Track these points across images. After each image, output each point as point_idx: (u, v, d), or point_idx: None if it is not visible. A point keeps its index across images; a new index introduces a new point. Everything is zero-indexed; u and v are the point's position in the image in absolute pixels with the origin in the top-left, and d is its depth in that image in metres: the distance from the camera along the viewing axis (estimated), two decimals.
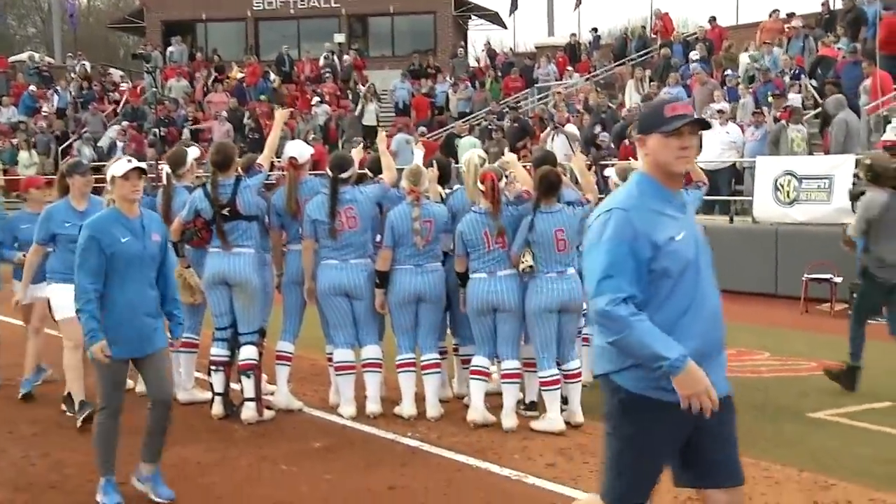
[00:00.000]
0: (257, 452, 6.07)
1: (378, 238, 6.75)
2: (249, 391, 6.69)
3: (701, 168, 15.45)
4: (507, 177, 6.97)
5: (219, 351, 6.80)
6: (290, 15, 31.57)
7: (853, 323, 7.66)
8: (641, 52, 23.59)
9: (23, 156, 22.51)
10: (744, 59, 19.66)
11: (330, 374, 7.18)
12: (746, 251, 13.32)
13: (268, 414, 6.82)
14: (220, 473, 5.67)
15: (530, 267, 6.47)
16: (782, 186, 13.48)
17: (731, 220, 14.50)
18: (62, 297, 6.39)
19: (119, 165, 5.01)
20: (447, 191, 7.33)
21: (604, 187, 9.58)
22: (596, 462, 5.76)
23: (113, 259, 4.95)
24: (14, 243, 7.56)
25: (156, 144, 21.50)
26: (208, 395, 7.06)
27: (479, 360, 6.69)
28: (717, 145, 15.57)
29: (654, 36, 24.46)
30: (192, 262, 6.98)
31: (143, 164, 5.12)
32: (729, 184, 15.87)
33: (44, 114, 25.63)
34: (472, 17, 33.91)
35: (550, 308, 6.50)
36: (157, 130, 22.41)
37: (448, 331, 7.37)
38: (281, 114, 7.14)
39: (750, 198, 14.41)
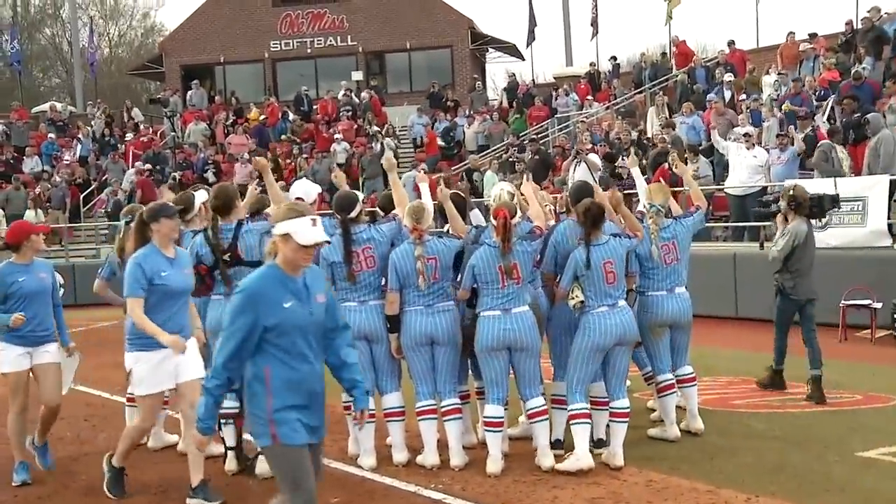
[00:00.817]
0: None
1: (383, 281, 6.44)
2: (230, 441, 6.37)
3: (729, 193, 15.25)
4: (521, 212, 6.74)
5: (228, 403, 6.48)
6: (307, 55, 31.61)
7: (777, 333, 8.68)
8: (660, 80, 23.30)
9: (29, 214, 22.31)
10: (767, 80, 19.30)
11: (348, 422, 6.84)
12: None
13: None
14: None
15: (581, 302, 6.24)
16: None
17: (762, 247, 14.05)
18: (146, 369, 5.87)
19: (309, 234, 4.19)
20: (476, 228, 7.02)
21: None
22: None
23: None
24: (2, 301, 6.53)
25: (175, 188, 21.34)
26: (220, 448, 6.74)
27: (491, 410, 6.36)
28: (745, 170, 15.19)
29: (671, 63, 24.16)
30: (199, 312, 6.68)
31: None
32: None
33: (65, 162, 25.63)
34: (490, 49, 33.81)
35: (603, 346, 6.33)
36: (176, 175, 22.29)
37: (470, 373, 7.05)
38: (261, 164, 6.81)
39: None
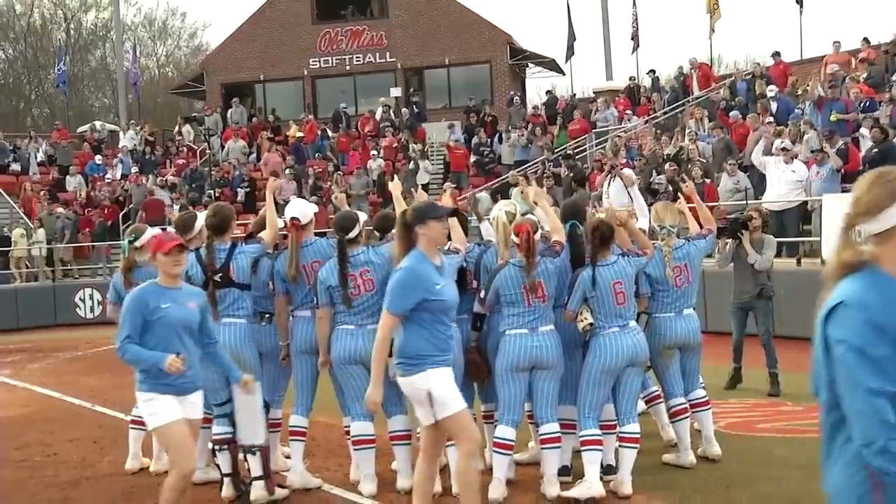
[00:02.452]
0: None
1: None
2: (256, 469, 6.18)
3: (767, 208, 14.90)
4: (541, 228, 6.52)
5: (221, 429, 6.33)
6: (346, 72, 31.71)
7: (735, 335, 9.52)
8: (699, 95, 22.89)
9: (16, 232, 22.48)
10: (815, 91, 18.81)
11: (350, 449, 6.64)
12: (817, 295, 12.43)
13: (280, 492, 6.31)
14: None
15: (591, 324, 6.02)
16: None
17: (799, 263, 13.65)
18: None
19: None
20: (481, 246, 6.83)
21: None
22: None
23: None
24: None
25: (208, 204, 21.49)
26: (216, 474, 6.58)
27: (503, 432, 6.13)
28: (783, 184, 14.82)
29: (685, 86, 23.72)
30: None
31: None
32: (797, 224, 15.05)
33: (107, 180, 25.90)
34: (529, 64, 33.61)
35: (615, 368, 6.12)
36: (212, 192, 22.40)
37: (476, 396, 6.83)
38: (271, 185, 6.71)
39: (818, 238, 13.57)
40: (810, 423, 7.92)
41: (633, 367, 6.19)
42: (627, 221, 6.61)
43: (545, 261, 6.17)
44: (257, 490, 6.19)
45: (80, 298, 20.34)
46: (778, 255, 14.86)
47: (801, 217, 15.07)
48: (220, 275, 6.20)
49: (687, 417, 6.76)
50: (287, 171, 23.69)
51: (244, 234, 6.73)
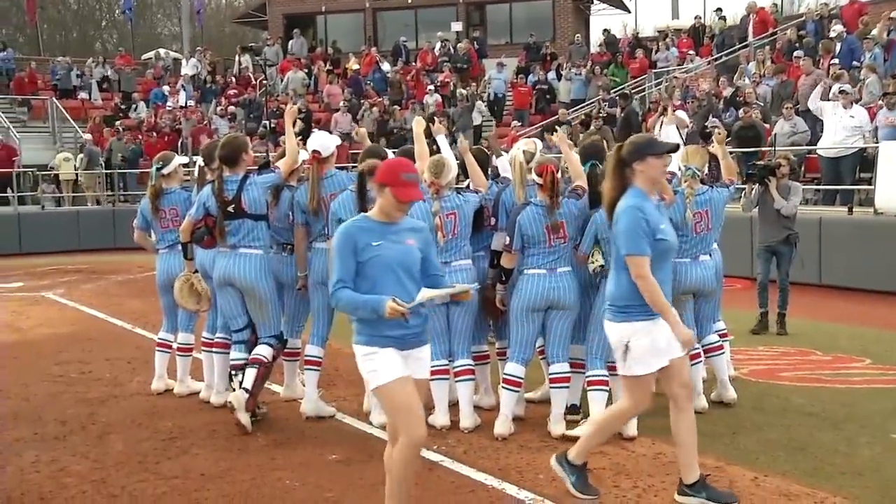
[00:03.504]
0: (269, 464, 5.72)
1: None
2: (248, 381, 6.32)
3: (821, 154, 14.48)
4: (564, 170, 6.49)
5: (237, 354, 6.50)
6: (408, 4, 31.38)
7: (760, 277, 9.59)
8: (766, 35, 22.21)
9: (59, 157, 23.05)
10: (883, 28, 18.14)
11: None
12: (867, 245, 12.21)
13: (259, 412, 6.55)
14: (219, 487, 5.33)
15: (601, 266, 5.99)
16: None
17: (851, 212, 13.33)
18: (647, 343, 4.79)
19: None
20: (500, 184, 6.83)
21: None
22: (628, 485, 5.20)
23: None
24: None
25: (266, 136, 21.65)
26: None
27: (513, 369, 6.19)
28: (840, 130, 14.40)
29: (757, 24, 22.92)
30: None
31: None
32: (853, 172, 14.65)
33: (168, 108, 26.25)
34: (594, 1, 32.91)
35: None
36: (267, 122, 22.56)
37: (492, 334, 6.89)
38: (289, 111, 6.74)
39: (873, 187, 13.22)
40: (834, 373, 7.85)
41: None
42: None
43: (568, 202, 6.14)
44: (238, 397, 6.33)
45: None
46: (831, 202, 14.62)
47: (859, 164, 14.68)
48: (232, 206, 6.28)
49: (700, 362, 6.72)
50: (342, 103, 23.73)
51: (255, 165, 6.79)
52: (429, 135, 6.79)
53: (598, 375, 6.13)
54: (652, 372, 4.80)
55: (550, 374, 6.30)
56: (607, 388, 6.15)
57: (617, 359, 4.90)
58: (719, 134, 7.40)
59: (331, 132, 21.39)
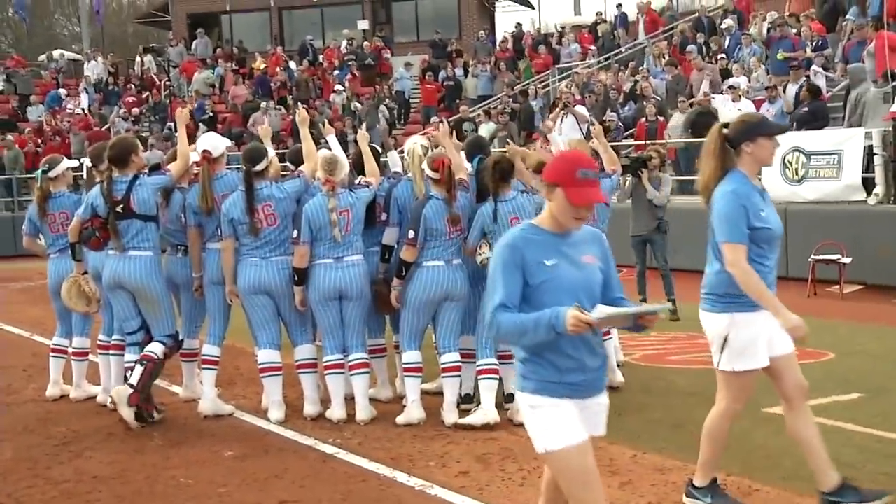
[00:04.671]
0: (163, 463, 5.77)
1: (295, 233, 6.37)
2: (134, 378, 6.35)
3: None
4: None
5: (132, 356, 6.51)
6: (314, 3, 31.26)
7: (638, 266, 10.12)
8: (663, 30, 22.84)
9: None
10: (762, 26, 18.86)
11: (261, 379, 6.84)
12: None
13: (156, 416, 6.59)
14: (112, 488, 5.37)
15: (489, 258, 6.15)
16: (790, 163, 12.83)
17: None
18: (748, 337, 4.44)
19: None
20: (391, 179, 6.98)
21: None
22: (514, 469, 5.40)
23: None
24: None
25: (171, 138, 21.40)
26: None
27: (412, 356, 6.41)
28: None
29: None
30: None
31: None
32: None
33: (68, 111, 25.69)
34: None
35: None
36: (171, 124, 22.28)
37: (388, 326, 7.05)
38: (180, 115, 6.79)
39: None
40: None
41: None
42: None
43: (462, 194, 6.34)
44: (121, 392, 6.40)
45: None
46: None
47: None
48: (121, 206, 6.29)
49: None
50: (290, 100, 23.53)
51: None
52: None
53: (489, 364, 6.32)
54: (754, 369, 4.48)
55: (442, 363, 6.48)
56: (497, 377, 6.35)
57: (713, 352, 4.56)
58: (595, 127, 7.70)
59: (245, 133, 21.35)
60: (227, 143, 6.91)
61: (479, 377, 6.35)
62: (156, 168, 6.71)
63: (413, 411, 6.35)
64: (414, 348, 6.42)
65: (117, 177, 6.35)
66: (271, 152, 6.68)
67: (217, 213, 6.53)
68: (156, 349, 6.41)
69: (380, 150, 7.44)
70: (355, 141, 7.17)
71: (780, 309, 4.30)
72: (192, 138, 7.61)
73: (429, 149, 6.89)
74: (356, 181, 6.72)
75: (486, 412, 6.22)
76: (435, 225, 6.23)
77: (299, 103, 8.87)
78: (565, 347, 3.32)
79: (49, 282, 7.30)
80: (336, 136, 7.09)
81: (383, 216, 6.65)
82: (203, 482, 5.40)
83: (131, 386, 6.31)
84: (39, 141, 23.59)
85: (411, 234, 6.26)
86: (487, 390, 6.28)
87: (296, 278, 6.37)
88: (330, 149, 6.83)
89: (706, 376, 7.34)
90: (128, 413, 6.31)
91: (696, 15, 23.15)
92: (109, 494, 5.26)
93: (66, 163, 7.20)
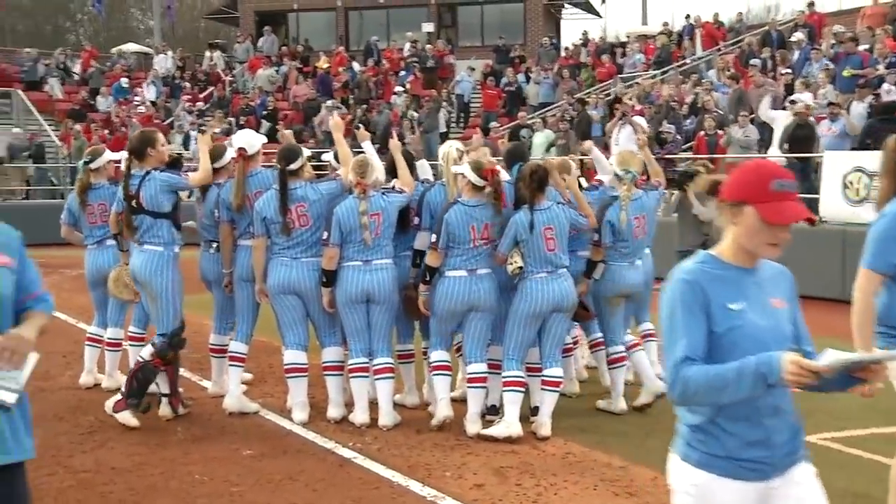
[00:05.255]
0: (182, 458, 5.80)
1: (325, 235, 6.35)
2: (164, 387, 6.43)
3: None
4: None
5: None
6: (380, 4, 31.45)
7: None
8: (732, 42, 22.47)
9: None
10: (828, 39, 18.42)
11: (287, 379, 6.84)
12: (811, 253, 12.38)
13: (182, 410, 6.62)
14: (128, 480, 5.40)
15: (520, 268, 6.10)
16: (851, 184, 12.49)
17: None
18: None
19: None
20: (425, 183, 6.93)
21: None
22: (530, 484, 5.30)
23: None
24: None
25: (230, 133, 21.66)
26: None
27: (439, 356, 6.40)
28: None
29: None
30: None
31: None
32: (801, 181, 14.82)
33: (135, 103, 26.16)
34: (565, 5, 33.11)
35: (540, 312, 6.21)
36: (232, 119, 22.57)
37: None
38: (202, 139, 6.82)
39: (817, 196, 13.42)
40: None
41: (559, 312, 6.27)
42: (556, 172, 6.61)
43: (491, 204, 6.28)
44: (164, 407, 6.51)
45: None
46: None
47: (812, 173, 14.85)
48: (134, 200, 6.33)
49: (623, 366, 6.86)
50: (333, 101, 23.66)
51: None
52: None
53: (514, 377, 6.23)
54: None
55: (468, 373, 6.40)
56: (523, 390, 6.26)
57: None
58: (640, 139, 7.56)
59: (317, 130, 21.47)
60: (263, 139, 6.92)
61: (504, 389, 6.26)
62: (175, 164, 6.70)
63: (442, 409, 6.29)
64: (442, 348, 6.40)
65: (135, 171, 6.38)
66: (369, 150, 6.71)
67: (249, 210, 6.54)
68: (143, 352, 6.42)
69: (413, 153, 7.41)
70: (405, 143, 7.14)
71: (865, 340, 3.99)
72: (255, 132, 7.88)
73: (464, 153, 6.85)
74: (391, 186, 6.67)
75: (509, 424, 6.13)
76: (458, 231, 6.16)
77: (335, 111, 8.80)
78: (755, 411, 2.66)
79: (86, 272, 7.40)
80: (397, 138, 7.08)
81: (415, 220, 6.61)
82: (218, 480, 5.40)
83: (165, 395, 6.41)
84: (107, 132, 24.07)
85: (434, 237, 6.21)
86: (512, 403, 6.19)
87: (324, 279, 6.35)
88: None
89: None
90: (122, 418, 6.37)
91: (766, 28, 22.73)
92: (124, 487, 5.29)
93: (108, 155, 7.28)
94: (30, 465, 5.53)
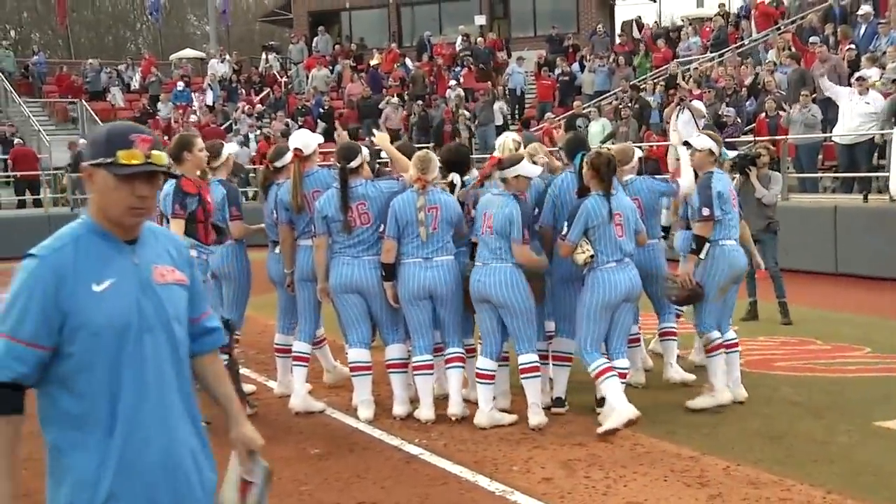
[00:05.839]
0: None
1: (382, 227, 6.34)
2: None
3: (837, 142, 14.26)
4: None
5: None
6: None
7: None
8: (791, 20, 21.95)
9: None
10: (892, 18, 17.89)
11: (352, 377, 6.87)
12: (881, 233, 12.09)
13: (249, 410, 6.52)
14: None
15: (591, 257, 6.04)
16: None
17: (866, 199, 13.19)
18: None
19: None
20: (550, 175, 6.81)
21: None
22: (599, 476, 5.25)
23: None
24: None
25: (288, 134, 21.84)
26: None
27: (482, 363, 6.32)
28: (855, 117, 14.20)
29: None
30: None
31: None
32: (869, 159, 14.46)
33: (193, 108, 26.56)
34: None
35: (613, 303, 6.11)
36: (288, 121, 22.77)
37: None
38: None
39: (888, 174, 13.07)
40: (830, 362, 7.83)
41: (628, 302, 6.19)
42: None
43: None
44: None
45: None
46: (849, 190, 14.47)
47: (875, 151, 14.47)
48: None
49: (721, 353, 6.51)
50: (395, 99, 23.79)
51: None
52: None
53: (603, 365, 6.04)
54: None
55: (520, 364, 6.25)
56: (615, 374, 6.02)
57: None
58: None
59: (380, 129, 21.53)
60: (319, 139, 6.94)
61: (601, 379, 6.03)
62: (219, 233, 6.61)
63: (478, 416, 6.27)
64: (486, 354, 6.31)
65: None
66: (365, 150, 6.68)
67: (307, 210, 6.57)
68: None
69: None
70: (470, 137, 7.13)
71: None
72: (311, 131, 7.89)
73: (520, 143, 6.82)
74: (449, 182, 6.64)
75: (621, 411, 5.87)
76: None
77: (374, 130, 8.76)
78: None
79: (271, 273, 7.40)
80: (450, 132, 7.13)
81: (472, 213, 6.56)
82: (286, 479, 5.43)
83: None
84: (167, 138, 24.46)
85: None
86: (614, 389, 5.97)
87: (383, 273, 6.35)
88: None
89: (813, 385, 7.05)
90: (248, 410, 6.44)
91: (828, 4, 22.17)
92: None
93: (290, 155, 6.82)
94: None
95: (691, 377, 7.09)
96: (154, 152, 2.52)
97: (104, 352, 2.47)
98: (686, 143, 6.71)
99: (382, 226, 6.29)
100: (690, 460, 5.47)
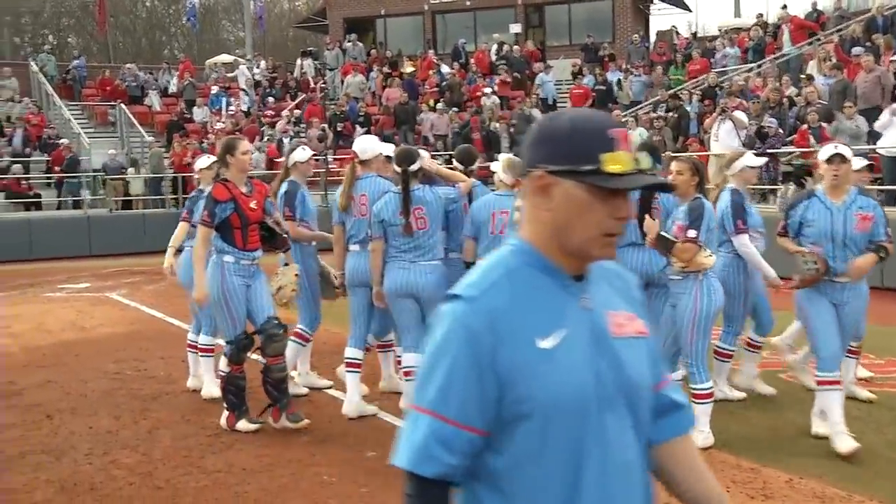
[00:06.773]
0: (308, 460, 5.87)
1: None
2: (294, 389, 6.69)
3: (883, 154, 14.07)
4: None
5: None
6: (467, 7, 31.52)
7: None
8: (832, 31, 21.80)
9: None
10: None
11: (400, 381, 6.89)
12: None
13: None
14: (260, 481, 5.49)
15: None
16: None
17: None
18: None
19: None
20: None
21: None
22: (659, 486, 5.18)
23: None
24: None
25: (325, 139, 21.99)
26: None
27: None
28: None
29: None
30: None
31: None
32: None
33: (230, 112, 26.72)
34: (654, 1, 32.66)
35: (718, 311, 6.04)
36: (325, 126, 22.87)
37: None
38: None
39: None
40: (885, 377, 7.73)
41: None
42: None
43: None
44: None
45: None
46: (892, 203, 14.30)
47: None
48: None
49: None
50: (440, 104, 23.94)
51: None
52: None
53: (707, 389, 5.98)
54: None
55: None
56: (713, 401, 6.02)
57: None
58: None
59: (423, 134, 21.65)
60: (382, 147, 6.97)
61: (698, 402, 5.88)
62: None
63: None
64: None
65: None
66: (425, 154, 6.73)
67: (353, 211, 6.65)
68: (221, 365, 6.57)
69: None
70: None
71: None
72: (349, 138, 7.91)
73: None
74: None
75: (707, 436, 5.87)
76: None
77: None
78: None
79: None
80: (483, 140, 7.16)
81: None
82: (346, 481, 5.45)
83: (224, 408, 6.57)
84: (204, 142, 24.65)
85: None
86: (706, 415, 5.93)
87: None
88: None
89: (880, 401, 6.94)
90: (242, 427, 6.46)
91: (871, 14, 21.99)
92: (257, 487, 5.38)
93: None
94: (166, 465, 5.75)
95: (740, 395, 7.01)
96: (639, 155, 1.84)
97: (556, 438, 1.73)
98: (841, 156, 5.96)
99: (438, 231, 6.35)
100: (751, 472, 5.42)
